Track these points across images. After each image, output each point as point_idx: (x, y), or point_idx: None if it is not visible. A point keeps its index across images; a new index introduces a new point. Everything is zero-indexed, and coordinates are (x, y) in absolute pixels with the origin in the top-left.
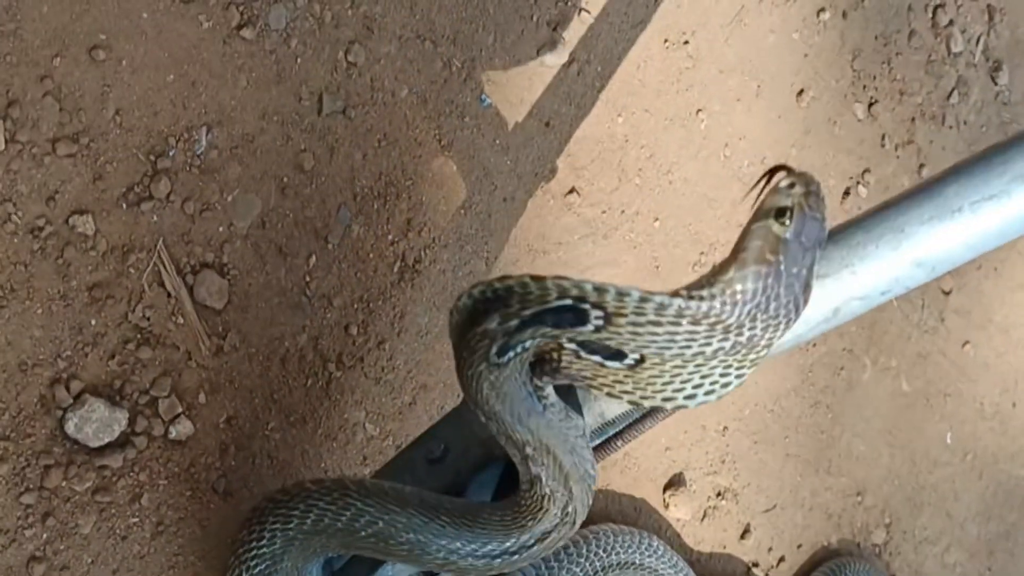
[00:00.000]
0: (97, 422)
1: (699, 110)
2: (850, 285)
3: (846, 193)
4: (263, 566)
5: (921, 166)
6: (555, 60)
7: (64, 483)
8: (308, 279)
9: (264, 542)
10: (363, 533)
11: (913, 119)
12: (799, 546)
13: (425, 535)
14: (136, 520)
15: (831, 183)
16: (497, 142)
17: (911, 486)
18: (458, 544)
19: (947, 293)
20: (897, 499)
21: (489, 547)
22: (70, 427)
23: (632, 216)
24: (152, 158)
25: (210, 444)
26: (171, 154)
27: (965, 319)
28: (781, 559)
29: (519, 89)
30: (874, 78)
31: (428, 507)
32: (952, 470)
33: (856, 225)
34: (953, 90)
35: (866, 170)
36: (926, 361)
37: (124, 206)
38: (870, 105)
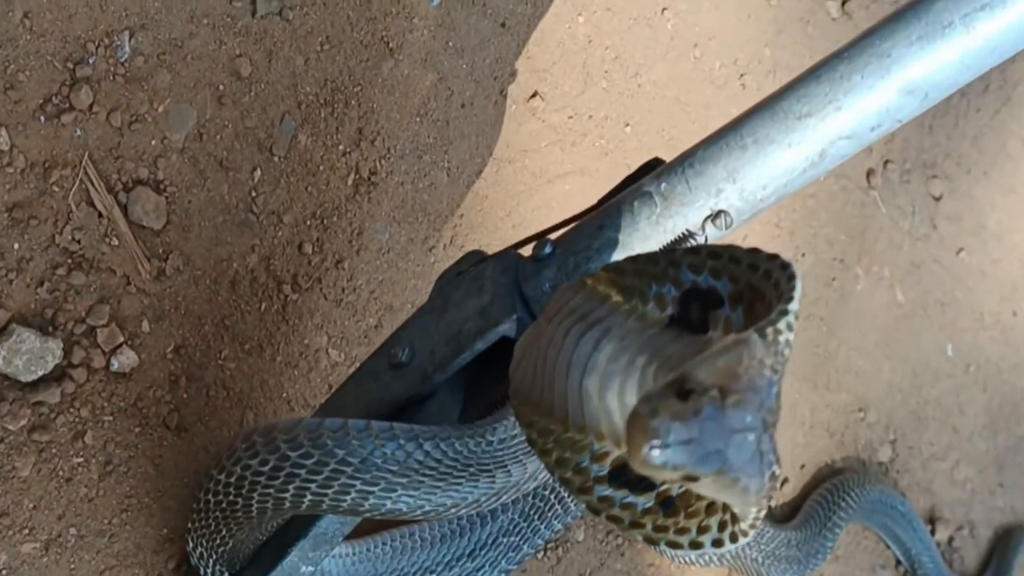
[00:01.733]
0: (28, 353)
1: (664, 8)
2: (836, 123)
3: None
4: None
5: None
6: None
7: None
8: (254, 194)
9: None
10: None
11: None
12: (802, 466)
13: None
14: (80, 460)
15: None
16: (451, 44)
17: (914, 400)
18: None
19: (937, 199)
20: (900, 414)
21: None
22: None
23: (601, 121)
24: (70, 66)
25: (158, 376)
26: (91, 61)
27: (957, 225)
28: (784, 480)
29: None
30: None
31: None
32: (955, 382)
33: (837, 57)
34: None
35: None
36: (920, 270)
37: (42, 119)
38: (843, 3)
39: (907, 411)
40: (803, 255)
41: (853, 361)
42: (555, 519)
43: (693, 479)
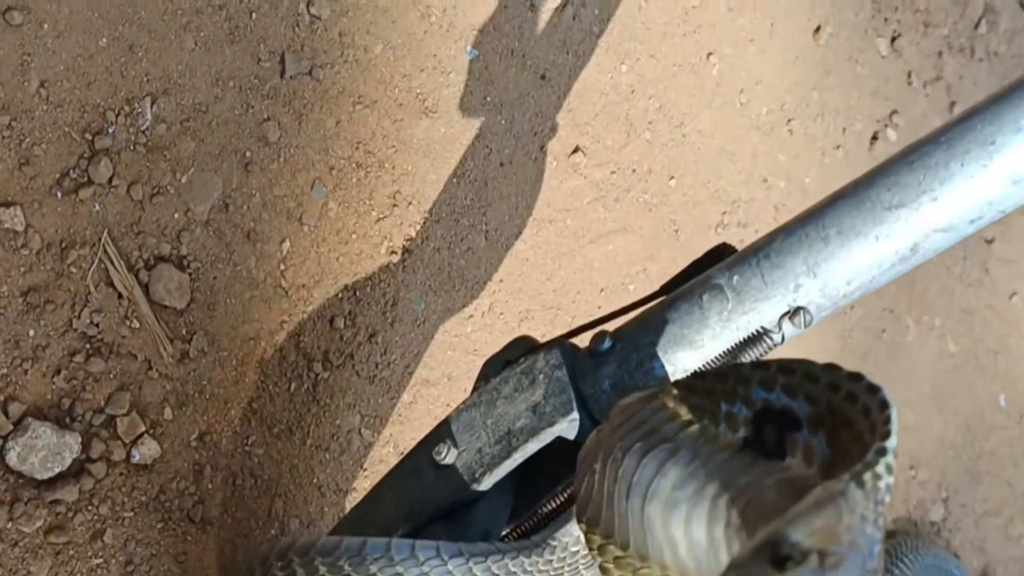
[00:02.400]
0: (44, 450)
1: (710, 54)
2: (931, 214)
3: (874, 138)
4: None
5: (952, 103)
6: (547, 4)
7: (10, 524)
8: (283, 268)
9: None
10: None
11: (940, 53)
12: None
13: None
14: (100, 561)
15: (857, 128)
16: (488, 99)
17: (967, 455)
18: None
19: (990, 242)
20: (953, 470)
21: None
22: (12, 458)
23: (644, 175)
24: (89, 137)
25: (181, 466)
26: (111, 131)
27: (1010, 268)
28: None
29: (508, 38)
30: (896, 10)
31: None
32: (1009, 434)
33: (933, 142)
34: (981, 19)
35: (894, 111)
36: (972, 317)
37: (59, 195)
38: (893, 39)
39: (960, 467)
40: (852, 307)
41: (904, 416)
42: None
43: None
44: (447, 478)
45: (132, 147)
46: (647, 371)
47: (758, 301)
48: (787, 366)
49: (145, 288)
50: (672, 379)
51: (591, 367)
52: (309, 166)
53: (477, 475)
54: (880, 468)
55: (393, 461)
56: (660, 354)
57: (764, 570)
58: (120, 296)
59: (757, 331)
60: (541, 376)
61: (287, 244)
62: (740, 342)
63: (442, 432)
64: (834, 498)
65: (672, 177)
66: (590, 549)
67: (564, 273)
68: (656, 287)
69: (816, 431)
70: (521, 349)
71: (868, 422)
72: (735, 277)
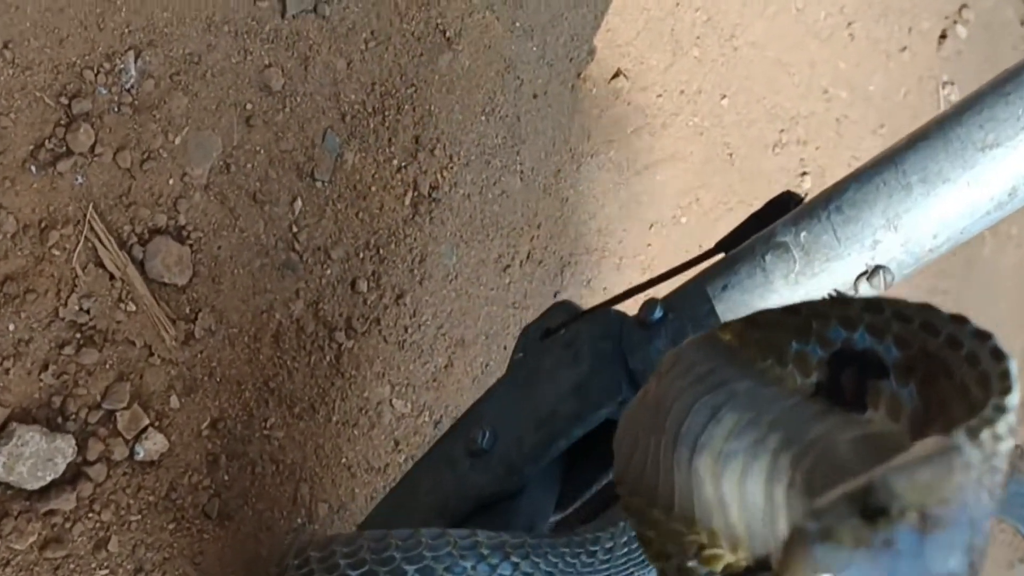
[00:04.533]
0: (33, 457)
1: None
2: None
3: (942, 36)
4: None
5: None
6: None
7: None
8: (295, 230)
9: None
10: None
11: None
12: None
13: None
14: (105, 572)
15: (924, 26)
16: (517, 25)
17: None
18: None
19: None
20: None
21: None
22: None
23: (693, 96)
24: (64, 101)
25: (193, 458)
26: (90, 93)
27: None
28: None
29: None
30: None
31: None
32: None
33: None
34: None
35: (963, 6)
36: None
37: (34, 169)
38: None
39: None
40: None
41: None
42: None
43: None
44: (484, 468)
45: (116, 109)
46: None
47: (830, 260)
48: (874, 303)
49: (140, 265)
50: None
51: (641, 340)
52: (319, 115)
53: (517, 465)
54: (1000, 428)
55: (429, 433)
56: (719, 324)
57: (851, 523)
58: (112, 277)
59: (830, 295)
60: (585, 349)
61: (299, 203)
62: None
63: (477, 414)
64: (946, 452)
65: (724, 96)
66: (629, 517)
67: (609, 211)
68: (710, 218)
69: (906, 380)
70: (562, 316)
71: (976, 373)
72: (803, 233)
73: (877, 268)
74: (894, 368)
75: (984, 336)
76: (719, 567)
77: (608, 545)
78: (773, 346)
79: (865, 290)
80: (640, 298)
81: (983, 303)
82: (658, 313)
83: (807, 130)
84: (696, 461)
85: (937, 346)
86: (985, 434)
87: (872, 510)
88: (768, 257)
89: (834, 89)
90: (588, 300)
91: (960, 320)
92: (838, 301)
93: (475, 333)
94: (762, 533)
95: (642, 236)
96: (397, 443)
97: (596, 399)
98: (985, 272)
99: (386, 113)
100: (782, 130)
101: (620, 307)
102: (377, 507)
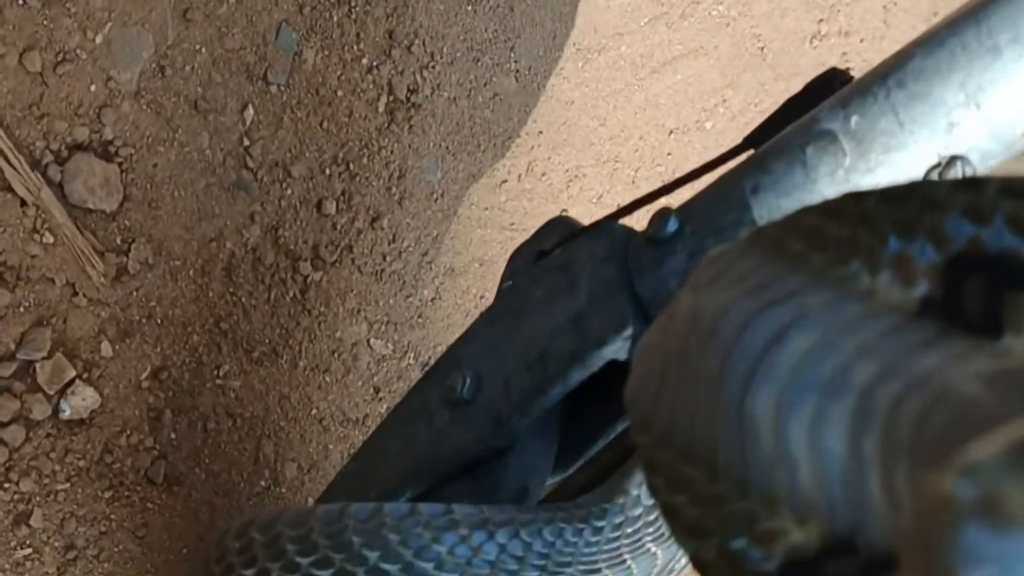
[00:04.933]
0: None
1: None
2: None
3: None
4: None
5: None
6: None
7: None
8: (247, 143)
9: None
10: None
11: None
12: None
13: None
14: (28, 552)
15: None
16: None
17: None
18: None
19: None
20: None
21: None
22: None
23: None
24: None
25: (131, 415)
26: None
27: None
28: None
29: None
30: None
31: None
32: None
33: None
34: None
35: None
36: None
37: None
38: None
39: None
40: None
41: None
42: None
43: None
44: (465, 421)
45: (20, 1)
46: None
47: (890, 151)
48: (1015, 186)
49: (59, 188)
50: None
51: (652, 259)
52: (271, 5)
53: (505, 416)
54: None
55: (415, 376)
56: None
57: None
58: (23, 203)
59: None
60: (583, 273)
61: (250, 111)
62: None
63: (456, 357)
64: None
65: None
66: (650, 477)
67: (621, 115)
68: (739, 122)
69: None
70: (558, 234)
71: None
72: (853, 118)
73: (954, 159)
74: None
75: None
76: (779, 548)
77: (618, 519)
78: (859, 245)
79: None
80: (651, 209)
81: None
82: (672, 226)
83: (850, 19)
84: (751, 400)
85: None
86: None
87: None
88: (810, 149)
89: None
90: (598, 218)
91: None
92: (961, 185)
93: (466, 260)
94: (844, 500)
95: (661, 144)
96: (377, 390)
97: (598, 334)
98: None
99: (352, 3)
100: (821, 20)
101: (628, 222)
102: (341, 473)
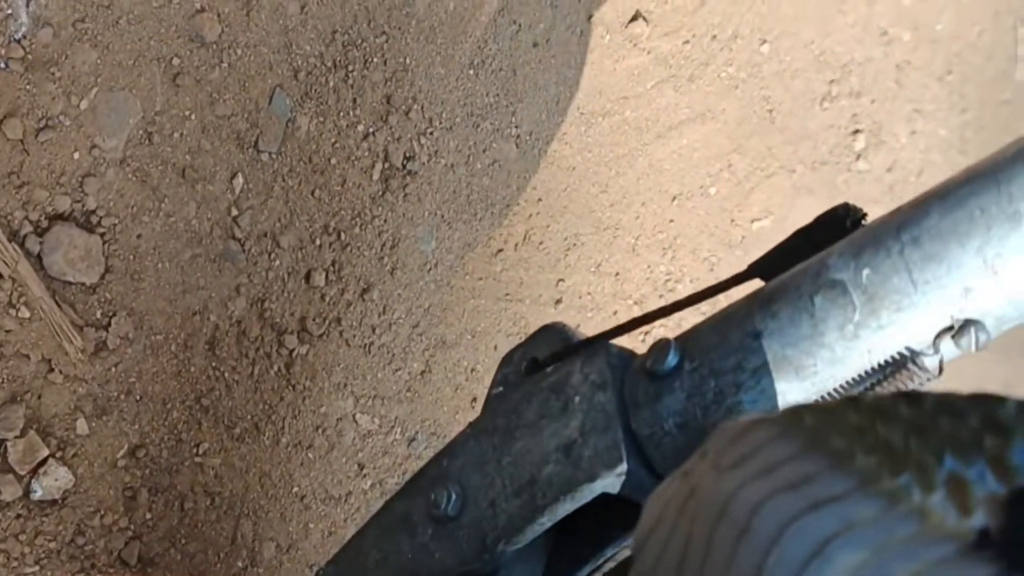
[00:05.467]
0: None
1: None
2: None
3: None
4: None
5: None
6: None
7: None
8: (235, 213)
9: None
10: None
11: None
12: None
13: None
14: None
15: None
16: None
17: None
18: None
19: None
20: None
21: None
22: None
23: (728, 43)
24: None
25: (105, 494)
26: None
27: None
28: None
29: None
30: None
31: None
32: None
33: None
34: None
35: None
36: None
37: None
38: None
39: None
40: None
41: None
42: None
43: None
44: (449, 540)
45: (3, 65)
46: (731, 408)
47: (902, 310)
48: None
49: (38, 260)
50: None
51: (649, 394)
52: (265, 70)
53: (490, 541)
54: None
55: (401, 453)
56: (750, 383)
57: None
58: (0, 276)
59: (900, 354)
60: (577, 399)
61: (239, 180)
62: (873, 369)
63: (442, 468)
64: None
65: (764, 41)
66: None
67: (624, 181)
68: (744, 187)
69: None
70: (553, 344)
71: None
72: (865, 271)
73: (967, 323)
74: None
75: None
76: None
77: None
78: (911, 457)
79: (949, 351)
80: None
81: None
82: (672, 360)
83: (862, 80)
84: None
85: None
86: None
87: None
88: (818, 299)
89: (895, 30)
90: (598, 289)
91: None
92: None
93: (458, 331)
94: None
95: (663, 210)
96: (362, 466)
97: (589, 468)
98: None
99: (350, 68)
100: (832, 80)
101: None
102: (322, 569)
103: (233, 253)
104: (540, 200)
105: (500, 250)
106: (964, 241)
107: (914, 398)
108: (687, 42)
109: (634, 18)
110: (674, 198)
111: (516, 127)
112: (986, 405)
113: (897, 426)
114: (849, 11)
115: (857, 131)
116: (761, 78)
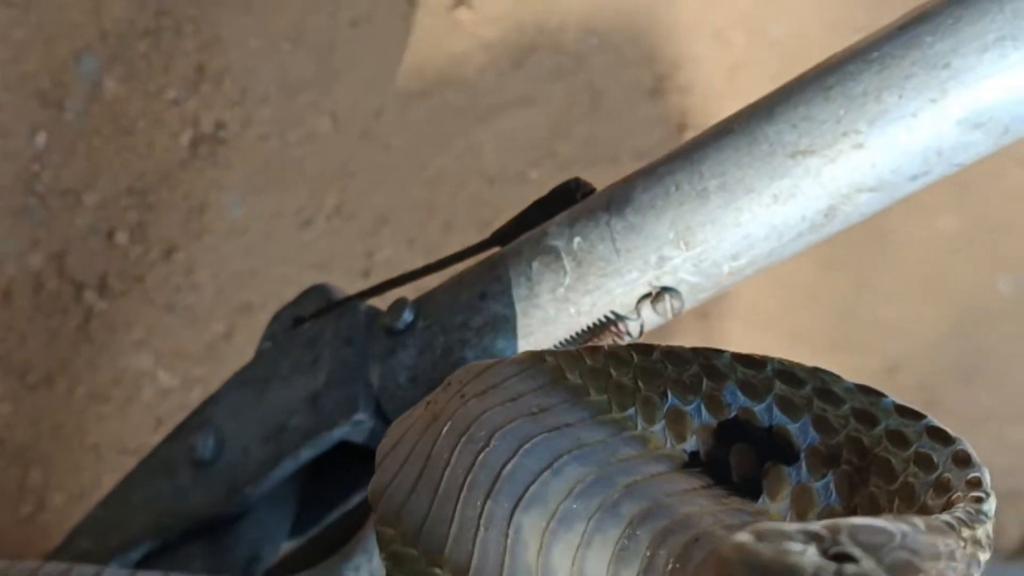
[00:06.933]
0: None
1: None
2: (854, 166)
3: None
4: None
5: None
6: None
7: None
8: (37, 169)
9: None
10: None
11: None
12: None
13: None
14: None
15: None
16: None
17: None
18: None
19: None
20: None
21: None
22: None
23: (556, 32)
24: None
25: None
26: None
27: None
28: None
29: None
30: None
31: None
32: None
33: (861, 58)
34: None
35: None
36: (968, 191)
37: None
38: None
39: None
40: None
41: (881, 313)
42: None
43: None
44: (205, 482)
45: None
46: (456, 363)
47: (607, 276)
48: (791, 371)
49: None
50: None
51: (385, 349)
52: (71, 31)
53: (239, 483)
54: (980, 533)
55: None
56: (474, 340)
57: (810, 552)
58: None
59: (605, 317)
60: (326, 353)
61: (42, 137)
62: (583, 330)
63: (204, 415)
64: (939, 530)
65: (592, 33)
66: (391, 570)
67: (443, 160)
68: (566, 173)
69: (821, 471)
70: (316, 303)
71: (930, 479)
72: (576, 239)
73: (664, 290)
74: (808, 455)
75: (945, 438)
76: None
77: None
78: (639, 394)
79: (648, 315)
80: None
81: (887, 280)
82: (407, 317)
83: (693, 75)
84: (521, 518)
85: (872, 440)
86: (981, 532)
87: (837, 556)
88: (535, 264)
89: (731, 31)
90: (410, 263)
91: (913, 414)
92: (744, 360)
93: (264, 297)
94: None
95: (480, 191)
96: (161, 421)
97: (329, 416)
98: (893, 244)
99: (161, 34)
100: (661, 76)
101: None
102: (86, 517)
103: (33, 208)
104: (354, 174)
105: (311, 220)
106: (660, 214)
107: (645, 348)
108: (513, 29)
109: (458, 3)
110: (492, 180)
111: (333, 103)
112: (707, 355)
113: (628, 370)
114: (682, 8)
115: (684, 125)
116: (588, 69)
